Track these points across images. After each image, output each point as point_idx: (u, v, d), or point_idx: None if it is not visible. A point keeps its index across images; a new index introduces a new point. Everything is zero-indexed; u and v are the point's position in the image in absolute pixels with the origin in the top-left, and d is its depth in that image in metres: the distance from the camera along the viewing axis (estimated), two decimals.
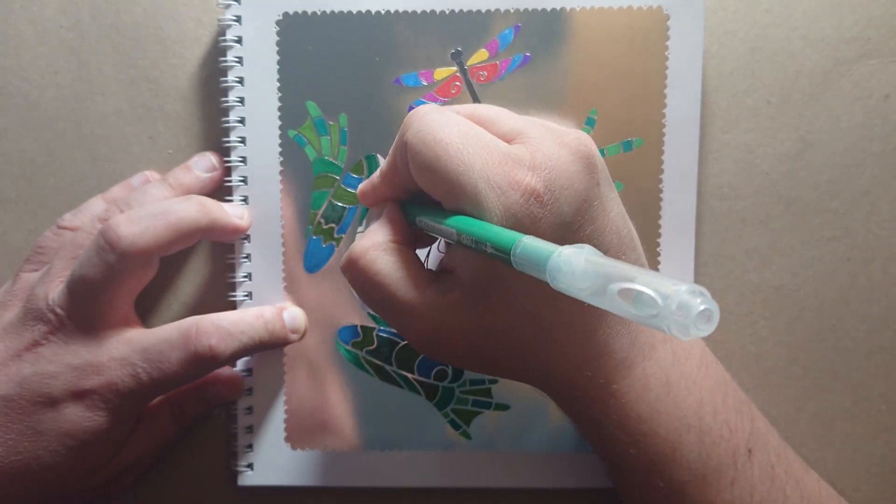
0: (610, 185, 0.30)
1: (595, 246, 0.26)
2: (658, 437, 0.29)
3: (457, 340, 0.29)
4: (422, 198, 0.30)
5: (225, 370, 0.37)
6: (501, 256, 0.25)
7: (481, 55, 0.36)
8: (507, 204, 0.26)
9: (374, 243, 0.30)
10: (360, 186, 0.33)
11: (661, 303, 0.20)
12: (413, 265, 0.29)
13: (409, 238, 0.31)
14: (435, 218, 0.29)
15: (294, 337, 0.36)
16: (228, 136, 0.37)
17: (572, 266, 0.22)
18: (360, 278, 0.29)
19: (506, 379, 0.34)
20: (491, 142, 0.28)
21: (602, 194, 0.29)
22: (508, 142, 0.28)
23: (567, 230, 0.27)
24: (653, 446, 0.29)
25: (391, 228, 0.30)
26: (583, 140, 0.28)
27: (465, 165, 0.27)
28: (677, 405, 0.30)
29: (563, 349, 0.29)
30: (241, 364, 0.37)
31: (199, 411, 0.37)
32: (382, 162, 0.31)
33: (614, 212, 0.29)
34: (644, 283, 0.20)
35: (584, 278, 0.22)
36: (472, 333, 0.29)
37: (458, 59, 0.36)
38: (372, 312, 0.37)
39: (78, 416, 0.32)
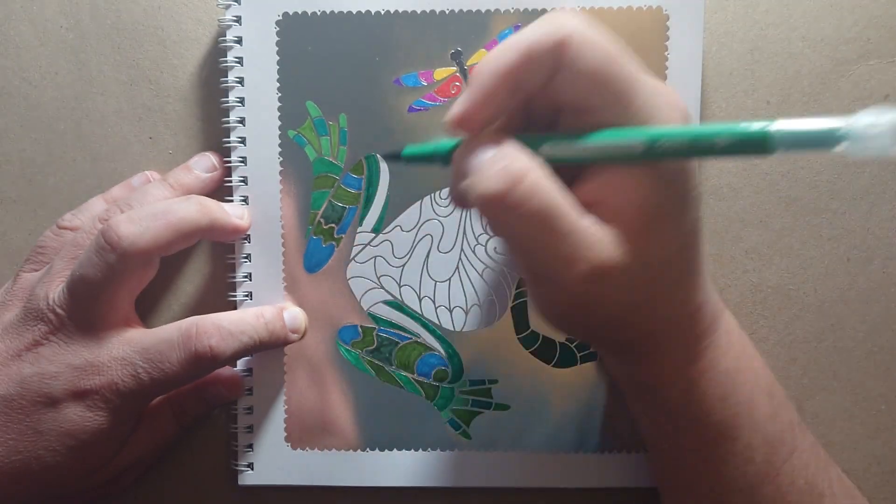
0: None
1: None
2: (742, 394, 0.29)
3: (618, 275, 0.25)
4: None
5: (225, 370, 0.37)
6: (747, 146, 0.23)
7: (481, 55, 0.36)
8: (679, 119, 0.25)
9: (527, 163, 0.24)
10: (453, 111, 0.26)
11: None
12: (565, 191, 0.25)
13: None
14: (580, 139, 0.25)
15: (294, 337, 0.36)
16: (228, 137, 0.37)
17: (881, 119, 0.21)
18: (524, 203, 0.24)
19: (631, 334, 0.29)
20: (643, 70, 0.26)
21: None
22: None
23: None
24: (735, 406, 0.29)
25: (525, 153, 0.25)
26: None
27: (638, 82, 0.25)
28: (751, 364, 0.30)
29: (686, 290, 0.27)
30: (241, 364, 0.37)
31: (199, 411, 0.37)
32: (474, 81, 0.25)
33: None
34: None
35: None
36: (632, 268, 0.25)
37: (457, 59, 0.36)
38: (373, 313, 0.37)
39: (78, 416, 0.32)
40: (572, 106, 0.26)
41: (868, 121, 0.20)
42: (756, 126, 0.23)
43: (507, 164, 0.24)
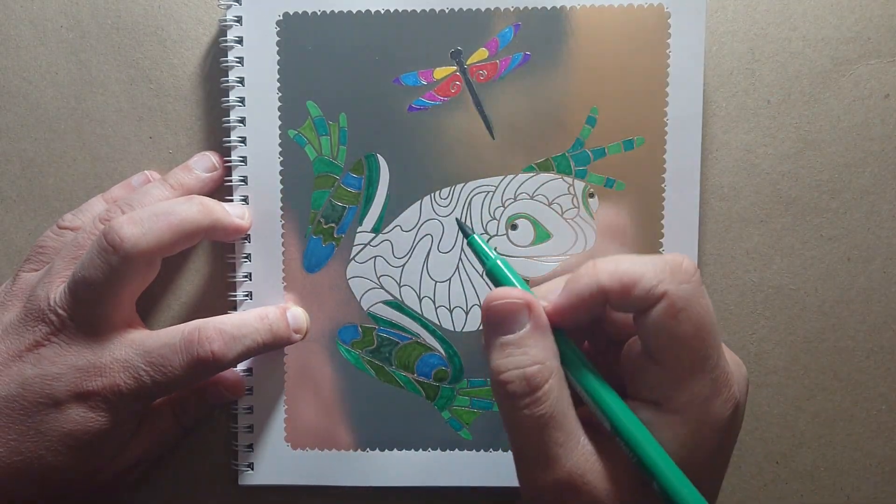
0: None
1: (722, 459, 0.28)
2: None
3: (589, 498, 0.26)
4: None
5: (227, 372, 0.37)
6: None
7: (481, 54, 0.36)
8: (724, 410, 0.26)
9: (551, 368, 0.26)
10: (544, 301, 0.27)
11: None
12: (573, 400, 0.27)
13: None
14: (609, 396, 0.26)
15: (297, 337, 0.36)
16: (229, 136, 0.37)
17: None
18: (534, 408, 0.26)
19: None
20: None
21: None
22: None
23: (735, 435, 0.28)
24: None
25: (553, 344, 0.27)
26: (742, 364, 0.29)
27: (718, 359, 0.26)
28: None
29: None
30: (241, 364, 0.37)
31: (200, 412, 0.37)
32: (593, 265, 0.27)
33: None
34: None
35: None
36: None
37: (457, 58, 0.36)
38: (373, 313, 0.37)
39: (80, 417, 0.32)
40: (651, 349, 0.26)
41: None
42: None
43: (529, 371, 0.26)
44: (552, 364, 0.26)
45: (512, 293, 0.27)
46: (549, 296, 0.27)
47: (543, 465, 0.26)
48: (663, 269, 0.26)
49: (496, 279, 0.29)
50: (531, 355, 0.26)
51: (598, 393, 0.26)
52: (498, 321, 0.27)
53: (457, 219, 0.36)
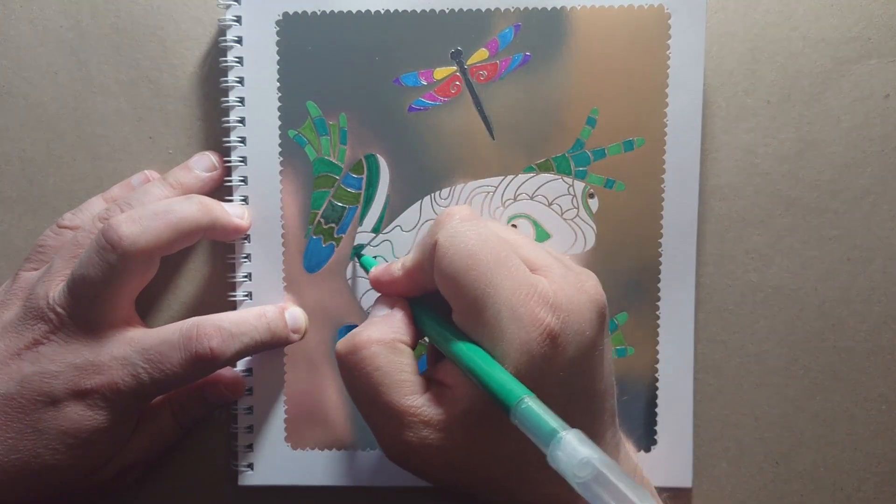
0: (608, 335, 0.31)
1: (586, 390, 0.28)
2: None
3: (434, 457, 0.29)
4: (434, 298, 0.31)
5: (227, 371, 0.37)
6: (500, 405, 0.26)
7: (481, 54, 0.36)
8: (524, 339, 0.27)
9: (378, 338, 0.30)
10: (376, 272, 0.33)
11: None
12: (411, 370, 0.30)
13: (413, 338, 0.31)
14: (443, 334, 0.29)
15: (295, 337, 0.36)
16: (228, 136, 0.37)
17: (574, 455, 0.23)
18: (355, 369, 0.29)
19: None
20: (520, 268, 0.28)
21: (605, 343, 0.30)
22: (531, 272, 0.29)
23: (571, 373, 0.28)
24: None
25: (398, 327, 0.30)
26: (599, 290, 0.29)
27: (493, 287, 0.27)
28: None
29: (532, 489, 0.29)
30: (241, 364, 0.37)
31: (199, 412, 0.37)
32: (405, 257, 0.32)
33: (607, 360, 0.30)
34: (637, 496, 0.22)
35: (581, 468, 0.23)
36: (451, 456, 0.29)
37: (457, 58, 0.36)
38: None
39: (79, 415, 0.32)
40: (447, 300, 0.29)
41: (569, 451, 0.24)
42: (508, 396, 0.26)
43: (356, 332, 0.30)
44: (379, 335, 0.30)
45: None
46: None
47: (381, 435, 0.29)
48: (435, 222, 0.30)
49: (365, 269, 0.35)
50: (363, 329, 0.30)
51: (434, 332, 0.30)
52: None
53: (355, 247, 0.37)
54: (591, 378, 0.29)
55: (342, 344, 0.30)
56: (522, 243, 0.30)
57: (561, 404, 0.28)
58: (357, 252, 0.37)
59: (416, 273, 0.31)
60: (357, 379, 0.29)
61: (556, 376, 0.28)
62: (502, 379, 0.26)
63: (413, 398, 0.29)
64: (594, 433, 0.29)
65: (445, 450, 0.28)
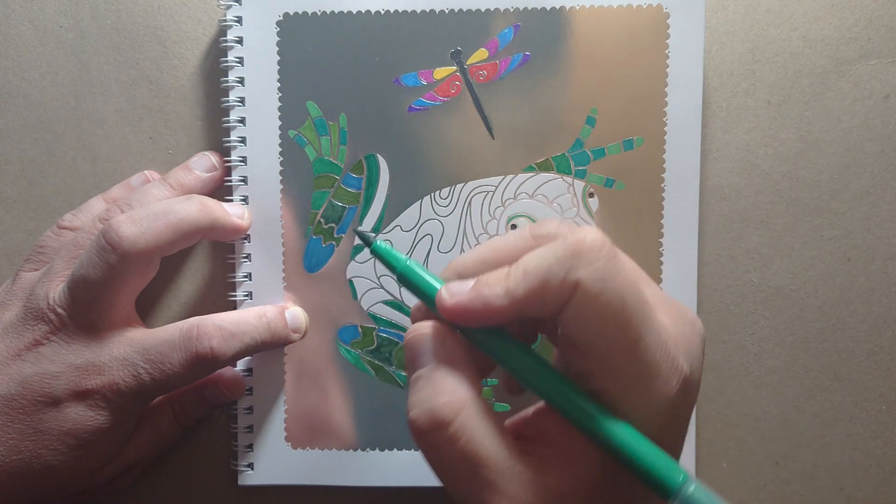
0: None
1: (688, 420, 0.26)
2: None
3: None
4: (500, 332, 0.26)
5: (227, 371, 0.37)
6: (655, 486, 0.23)
7: (481, 54, 0.36)
8: (666, 391, 0.24)
9: (461, 401, 0.24)
10: (458, 298, 0.25)
11: None
12: (501, 426, 0.25)
13: (477, 375, 0.26)
14: (559, 389, 0.24)
15: (295, 337, 0.36)
16: (228, 136, 0.37)
17: None
18: (449, 447, 0.24)
19: None
20: (655, 316, 0.24)
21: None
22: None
23: (690, 410, 0.26)
24: None
25: (467, 374, 0.25)
26: (698, 319, 0.27)
27: (640, 341, 0.23)
28: None
29: None
30: (241, 364, 0.37)
31: (200, 411, 0.37)
32: (506, 280, 0.24)
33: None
34: None
35: None
36: None
37: (457, 58, 0.36)
38: (373, 313, 0.37)
39: (79, 416, 0.32)
40: (575, 343, 0.24)
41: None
42: (673, 482, 0.23)
43: (435, 405, 0.24)
44: (461, 395, 0.24)
45: (420, 327, 0.26)
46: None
47: None
48: (567, 253, 0.24)
49: (411, 285, 0.27)
50: (437, 389, 0.24)
51: (543, 384, 0.25)
52: (411, 357, 0.25)
53: (355, 230, 0.35)
54: (692, 408, 0.27)
55: (423, 422, 0.24)
56: (643, 276, 0.26)
57: (680, 436, 0.26)
58: (367, 240, 0.29)
59: (529, 305, 0.24)
60: (452, 459, 0.24)
61: (683, 418, 0.26)
62: (659, 456, 0.23)
63: (514, 462, 0.24)
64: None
65: None
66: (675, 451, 0.26)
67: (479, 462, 0.23)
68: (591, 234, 0.24)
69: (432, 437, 0.24)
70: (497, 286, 0.24)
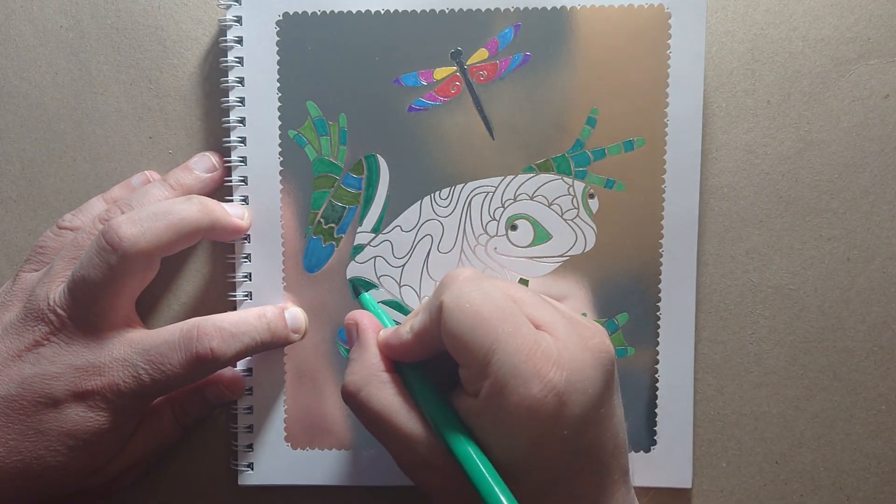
0: (618, 391, 0.31)
1: (591, 447, 0.29)
2: None
3: (440, 473, 0.30)
4: (441, 361, 0.31)
5: (227, 371, 0.37)
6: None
7: (481, 54, 0.36)
8: (528, 396, 0.27)
9: (368, 375, 0.31)
10: (386, 337, 0.33)
11: None
12: (404, 393, 0.31)
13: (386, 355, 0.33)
14: (437, 416, 0.30)
15: (295, 337, 0.36)
16: (228, 136, 0.37)
17: None
18: (363, 410, 0.31)
19: None
20: (524, 326, 0.28)
21: (612, 401, 0.30)
22: (536, 328, 0.29)
23: (576, 431, 0.28)
24: None
25: (380, 354, 0.32)
26: (606, 345, 0.29)
27: (498, 344, 0.28)
28: None
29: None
30: (241, 364, 0.37)
31: (199, 412, 0.37)
32: (413, 318, 0.32)
33: (616, 417, 0.30)
34: None
35: None
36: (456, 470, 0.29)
37: (457, 58, 0.36)
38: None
39: (79, 417, 0.32)
40: (453, 355, 0.30)
41: None
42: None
43: (349, 379, 0.32)
44: (369, 370, 0.32)
45: (352, 315, 0.34)
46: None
47: (395, 455, 0.31)
48: (439, 286, 0.30)
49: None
50: (354, 366, 0.32)
51: (429, 411, 0.30)
52: (348, 339, 0.34)
53: (351, 279, 0.37)
54: (596, 435, 0.29)
55: (343, 392, 0.32)
56: (528, 301, 0.30)
57: (566, 461, 0.28)
58: (357, 289, 0.37)
59: (425, 335, 0.31)
60: (366, 420, 0.31)
61: (560, 434, 0.28)
62: (491, 489, 0.27)
63: (418, 421, 0.30)
64: (602, 491, 0.29)
65: (451, 465, 0.29)
66: (576, 460, 0.29)
67: (385, 418, 0.30)
68: (461, 270, 0.31)
69: (350, 403, 0.32)
70: (406, 325, 0.32)
